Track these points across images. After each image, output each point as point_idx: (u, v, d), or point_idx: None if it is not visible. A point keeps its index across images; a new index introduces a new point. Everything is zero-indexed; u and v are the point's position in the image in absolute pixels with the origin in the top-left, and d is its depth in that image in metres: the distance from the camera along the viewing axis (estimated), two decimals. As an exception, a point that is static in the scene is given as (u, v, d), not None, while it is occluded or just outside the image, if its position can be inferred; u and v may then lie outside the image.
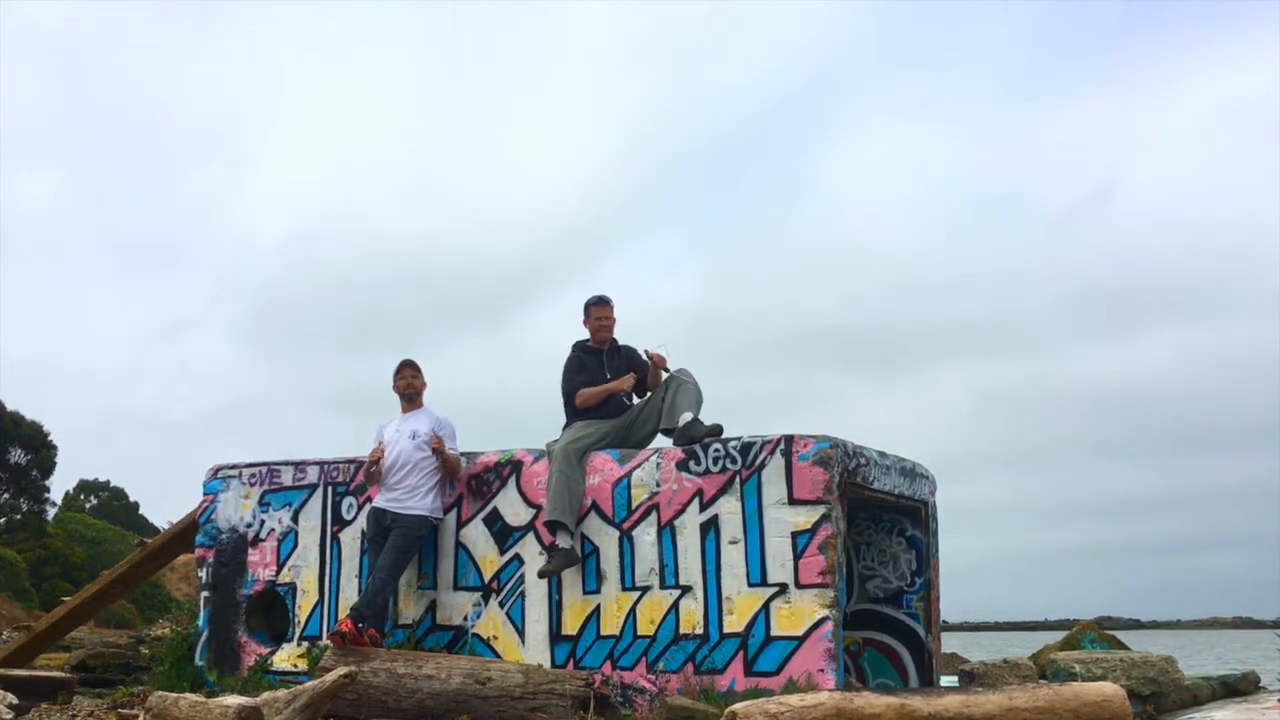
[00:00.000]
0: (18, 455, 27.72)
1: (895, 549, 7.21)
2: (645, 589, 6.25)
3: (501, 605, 6.64)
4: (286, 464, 7.56)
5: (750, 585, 5.98)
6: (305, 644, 7.13)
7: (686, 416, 6.42)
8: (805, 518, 5.90)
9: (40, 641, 9.88)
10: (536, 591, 6.54)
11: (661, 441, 6.64)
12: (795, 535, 5.90)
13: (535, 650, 6.44)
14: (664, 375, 6.72)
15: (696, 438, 6.30)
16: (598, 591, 6.38)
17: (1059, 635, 10.45)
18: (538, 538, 6.59)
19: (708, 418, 6.41)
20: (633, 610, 6.26)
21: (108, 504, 39.76)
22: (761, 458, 6.08)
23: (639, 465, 6.42)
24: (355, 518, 7.20)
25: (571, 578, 6.44)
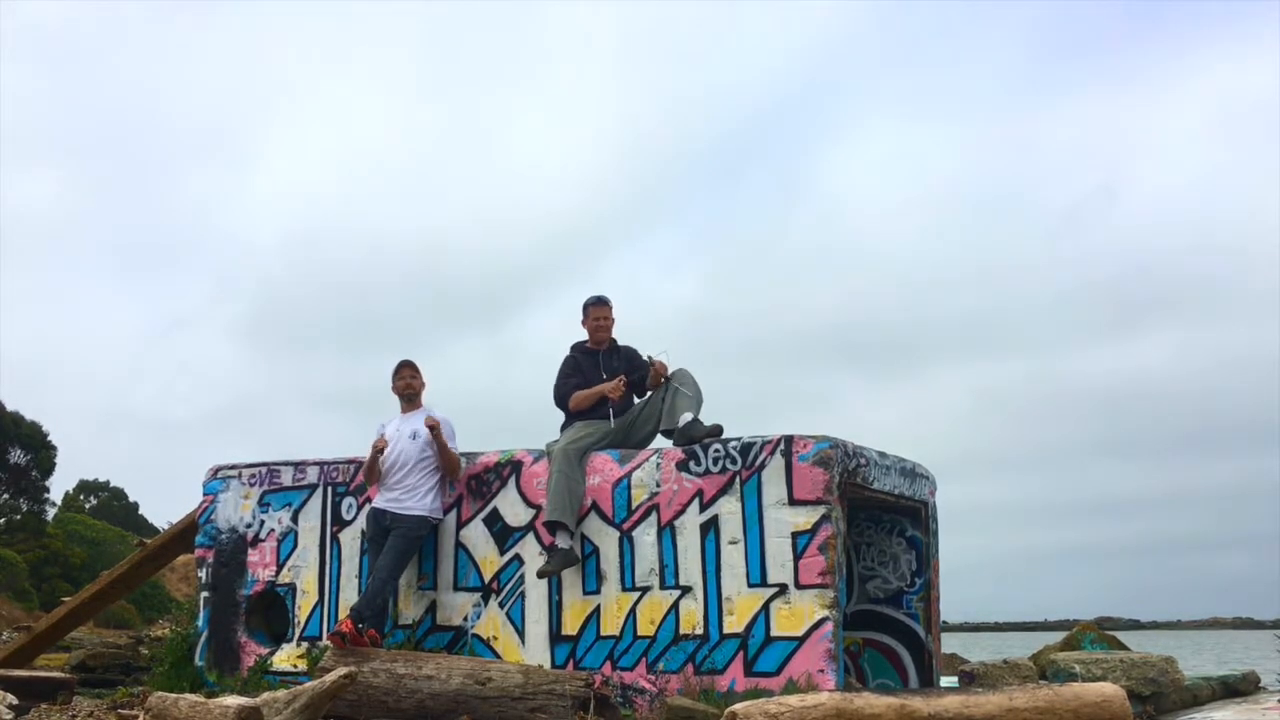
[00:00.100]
0: (18, 455, 27.72)
1: (895, 549, 7.21)
2: (645, 589, 6.25)
3: (501, 606, 6.64)
4: (286, 464, 7.56)
5: (750, 586, 5.98)
6: (305, 644, 7.13)
7: (686, 417, 6.41)
8: (805, 518, 5.90)
9: (40, 642, 9.88)
10: (536, 592, 6.54)
11: (661, 442, 6.64)
12: (795, 535, 5.90)
13: (535, 651, 6.44)
14: (665, 370, 6.72)
15: (696, 438, 6.30)
16: (598, 592, 6.38)
17: (1059, 635, 10.44)
18: (538, 538, 6.59)
19: (707, 418, 6.41)
20: (633, 610, 6.26)
21: (107, 504, 39.74)
22: (761, 458, 6.08)
23: (639, 465, 6.41)
24: (355, 518, 7.20)
25: (571, 578, 6.44)
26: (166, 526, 9.92)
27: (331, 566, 7.24)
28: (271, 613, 7.54)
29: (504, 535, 6.72)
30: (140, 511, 39.73)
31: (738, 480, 6.12)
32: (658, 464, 6.36)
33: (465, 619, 6.72)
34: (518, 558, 6.65)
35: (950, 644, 13.37)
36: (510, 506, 6.73)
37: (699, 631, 6.06)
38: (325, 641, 6.81)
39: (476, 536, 6.80)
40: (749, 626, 5.94)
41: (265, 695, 5.13)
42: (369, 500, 6.97)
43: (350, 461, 7.28)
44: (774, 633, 5.87)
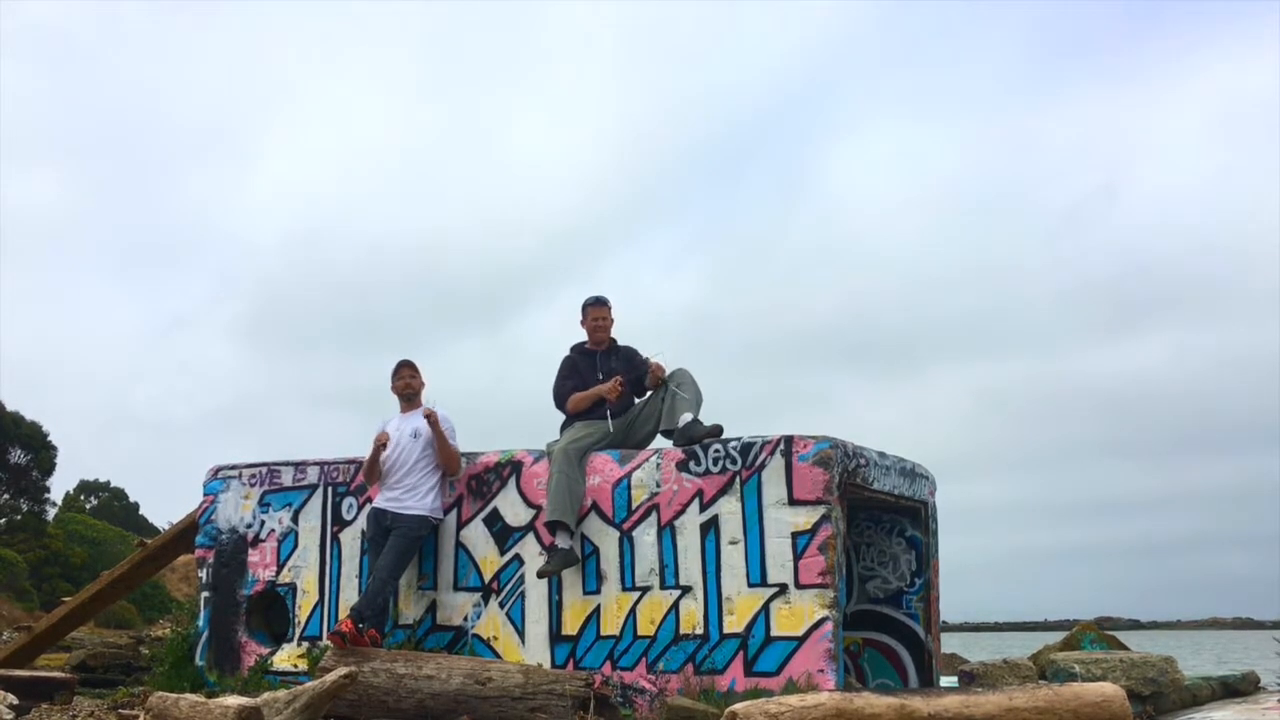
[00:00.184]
0: (18, 455, 27.71)
1: (895, 549, 7.21)
2: (645, 589, 6.26)
3: (501, 605, 6.64)
4: (286, 464, 7.56)
5: (750, 585, 5.98)
6: (305, 644, 7.14)
7: (686, 417, 6.42)
8: (805, 518, 5.90)
9: (40, 642, 9.89)
10: (536, 592, 6.54)
11: (661, 442, 6.64)
12: (795, 536, 5.90)
13: (535, 650, 6.44)
14: (663, 373, 6.72)
15: (696, 438, 6.30)
16: (598, 592, 6.38)
17: (1059, 635, 10.44)
18: (538, 538, 6.59)
19: (707, 418, 6.42)
20: (633, 610, 6.26)
21: (108, 504, 39.74)
22: (761, 458, 6.08)
23: (639, 466, 6.42)
24: (355, 518, 7.21)
25: (571, 578, 6.44)
26: (167, 526, 9.93)
27: (332, 566, 7.25)
28: (272, 613, 7.55)
29: (504, 535, 6.72)
30: (141, 511, 39.76)
31: (738, 480, 6.12)
32: (658, 464, 6.37)
33: (465, 619, 6.72)
34: (518, 558, 6.65)
35: (950, 644, 13.38)
36: (510, 506, 6.73)
37: (699, 631, 6.06)
38: (325, 641, 6.82)
39: (476, 536, 6.81)
40: (749, 626, 5.94)
41: (265, 695, 5.14)
42: (369, 500, 6.97)
43: (350, 461, 7.28)
44: (774, 633, 5.87)
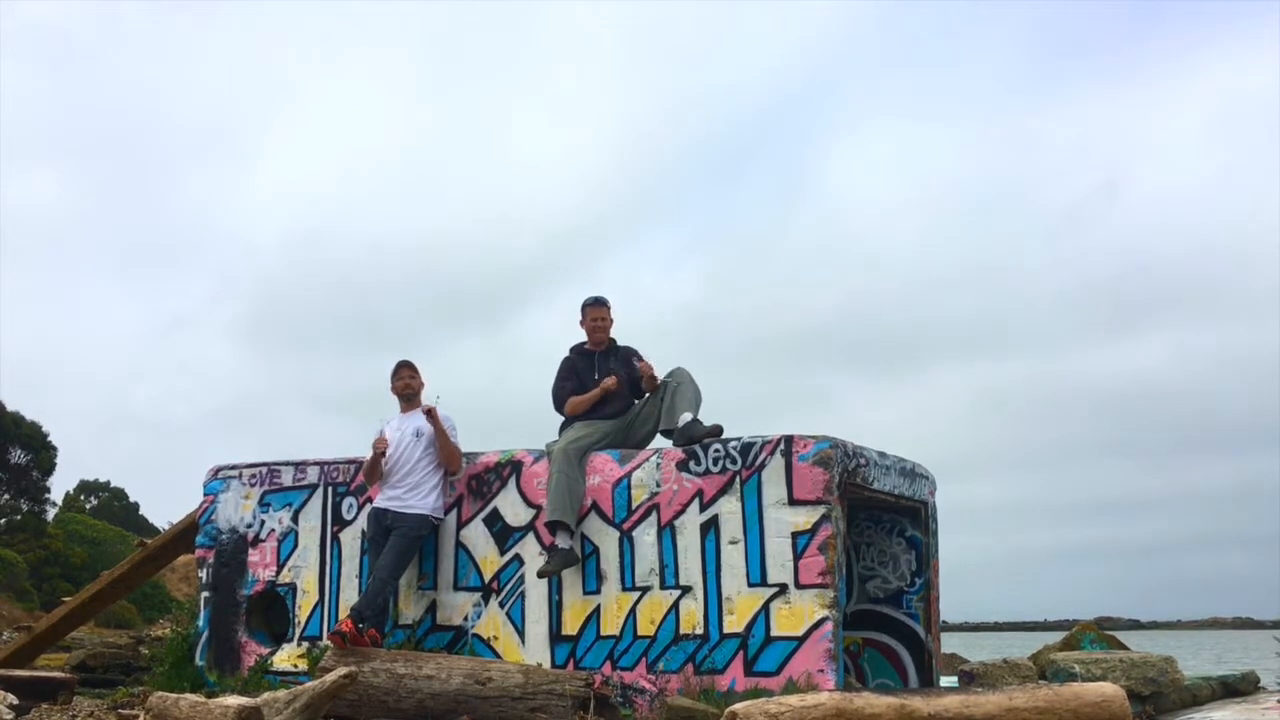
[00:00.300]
0: (18, 455, 27.71)
1: (895, 549, 7.21)
2: (645, 589, 6.26)
3: (501, 605, 6.64)
4: (286, 464, 7.56)
5: (750, 585, 5.98)
6: (305, 644, 7.14)
7: (686, 417, 6.42)
8: (805, 518, 5.90)
9: (40, 642, 9.89)
10: (536, 592, 6.54)
11: (661, 442, 6.64)
12: (795, 535, 5.90)
13: (535, 650, 6.44)
14: (658, 382, 6.71)
15: (696, 438, 6.30)
16: (598, 592, 6.38)
17: (1059, 635, 10.44)
18: (538, 538, 6.59)
19: (707, 418, 6.41)
20: (633, 610, 6.26)
21: (108, 504, 39.74)
22: (761, 458, 6.08)
23: (639, 465, 6.42)
24: (355, 518, 7.21)
25: (571, 578, 6.44)
26: (167, 526, 9.93)
27: (332, 566, 7.25)
28: (272, 613, 7.55)
29: (504, 535, 6.72)
30: (141, 511, 39.77)
31: (738, 480, 6.12)
32: (658, 464, 6.37)
33: (465, 619, 6.72)
34: (518, 558, 6.65)
35: (950, 644, 13.38)
36: (510, 506, 6.73)
37: (699, 631, 6.06)
38: (325, 641, 6.82)
39: (476, 536, 6.81)
40: (749, 626, 5.94)
41: (265, 695, 5.14)
42: (369, 500, 6.97)
43: (350, 461, 7.28)
44: (774, 632, 5.87)
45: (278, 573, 7.41)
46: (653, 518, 6.31)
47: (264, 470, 7.62)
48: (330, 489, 7.34)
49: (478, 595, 6.73)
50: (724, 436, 6.26)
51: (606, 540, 6.40)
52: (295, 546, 7.38)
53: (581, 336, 7.05)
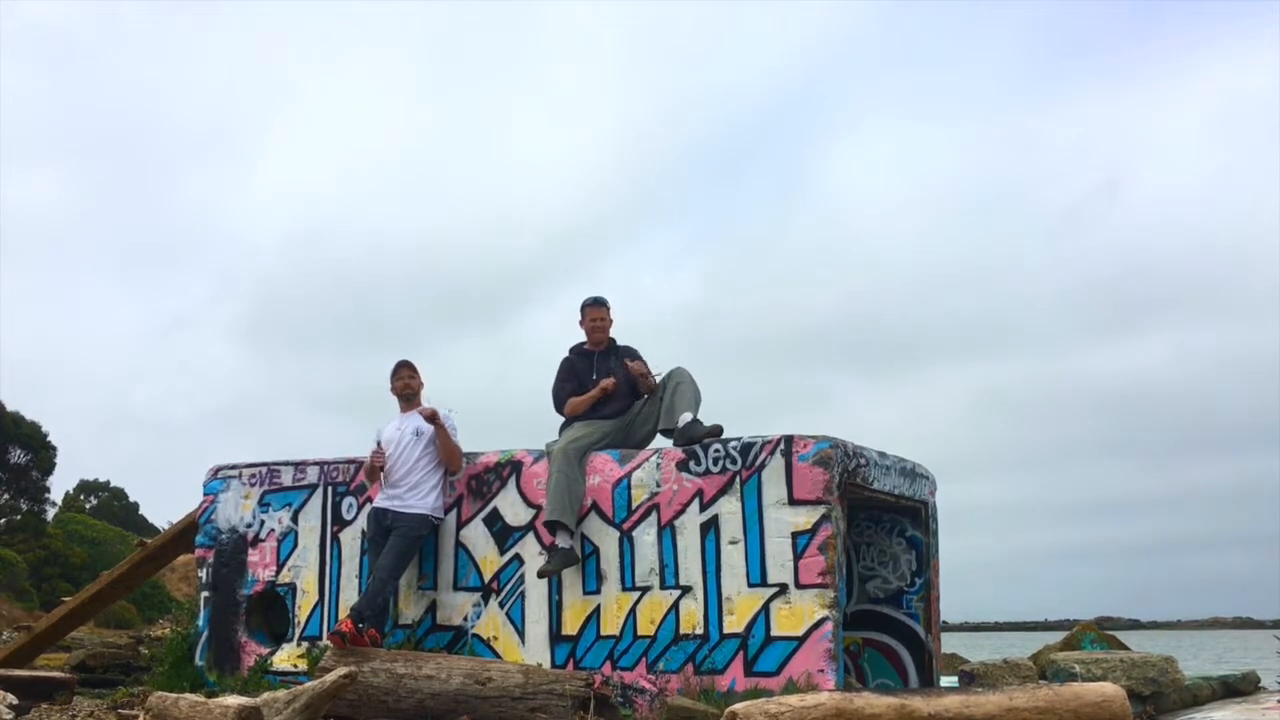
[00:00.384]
0: (18, 455, 27.73)
1: (895, 549, 7.21)
2: (645, 589, 6.25)
3: (501, 605, 6.64)
4: (286, 464, 7.56)
5: (750, 585, 5.98)
6: (305, 644, 7.13)
7: (686, 417, 6.41)
8: (805, 518, 5.90)
9: (40, 642, 9.89)
10: (536, 592, 6.54)
11: (661, 442, 6.64)
12: (795, 535, 5.90)
13: (535, 650, 6.44)
14: (654, 382, 6.71)
15: (696, 438, 6.30)
16: (598, 592, 6.38)
17: (1059, 635, 10.45)
18: (538, 538, 6.59)
19: (707, 418, 6.41)
20: (633, 610, 6.26)
21: (108, 504, 39.73)
22: (761, 458, 6.08)
23: (639, 465, 6.41)
24: (355, 518, 7.20)
25: (571, 578, 6.44)
26: (167, 526, 9.93)
27: (332, 566, 7.24)
28: (272, 613, 7.55)
29: (504, 535, 6.72)
30: (140, 511, 39.76)
31: (738, 480, 6.12)
32: (658, 464, 6.36)
33: (465, 619, 6.72)
34: (518, 557, 6.65)
35: (950, 644, 13.36)
36: (510, 506, 6.73)
37: (699, 631, 6.06)
38: (325, 641, 6.81)
39: (476, 536, 6.80)
40: (749, 626, 5.94)
41: (265, 695, 5.13)
42: (369, 500, 6.97)
43: (350, 461, 7.28)
44: (774, 633, 5.87)
45: (277, 573, 7.40)
46: (653, 518, 6.30)
47: (264, 470, 7.62)
48: (330, 489, 7.34)
49: (477, 595, 6.72)
50: (724, 436, 6.26)
51: (606, 540, 6.40)
52: (295, 546, 7.38)
53: (581, 337, 7.05)
